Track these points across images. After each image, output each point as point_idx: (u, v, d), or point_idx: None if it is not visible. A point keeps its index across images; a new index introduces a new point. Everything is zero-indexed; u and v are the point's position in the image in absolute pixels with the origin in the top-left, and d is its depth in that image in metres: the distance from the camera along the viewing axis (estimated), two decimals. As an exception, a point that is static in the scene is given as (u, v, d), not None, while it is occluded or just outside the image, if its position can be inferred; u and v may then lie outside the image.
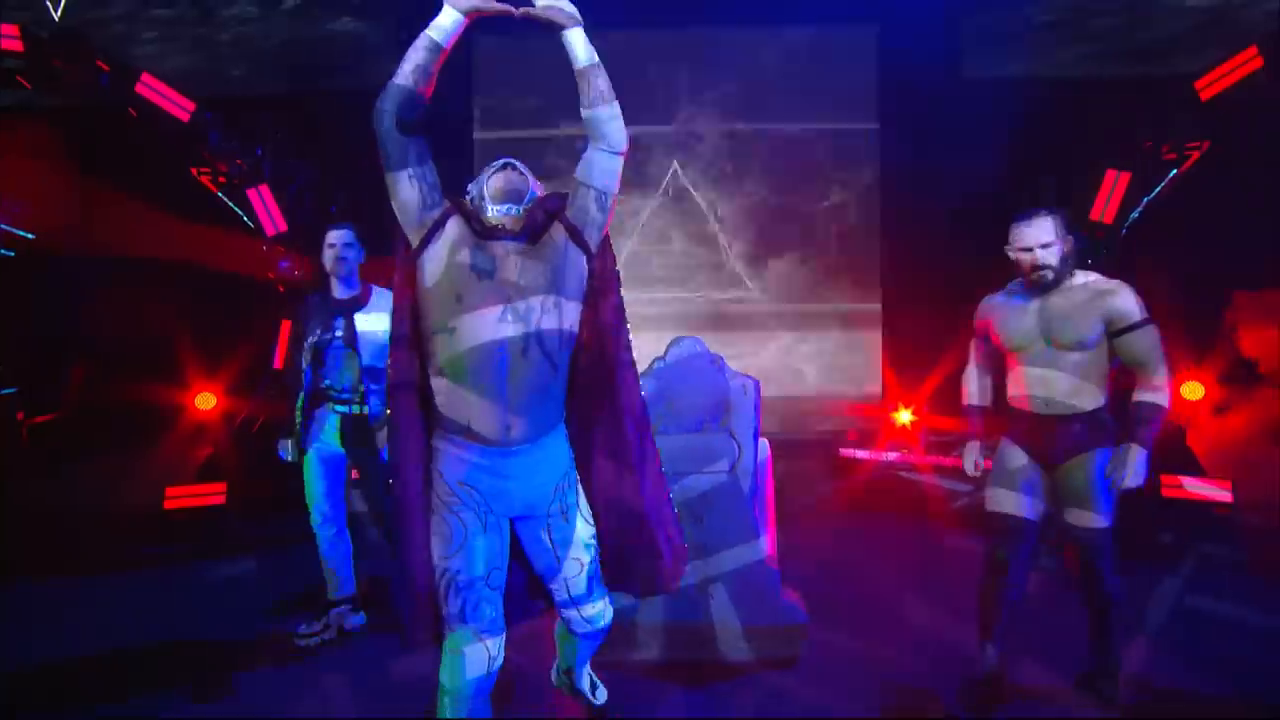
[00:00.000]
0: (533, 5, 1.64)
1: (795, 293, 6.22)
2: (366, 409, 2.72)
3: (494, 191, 1.63)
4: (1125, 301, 2.24)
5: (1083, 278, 2.31)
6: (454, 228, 1.64)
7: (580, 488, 1.80)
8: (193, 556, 3.89)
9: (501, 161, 1.68)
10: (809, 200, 6.25)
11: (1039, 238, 2.25)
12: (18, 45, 4.02)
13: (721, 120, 6.30)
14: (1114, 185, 4.27)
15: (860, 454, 5.32)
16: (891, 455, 5.27)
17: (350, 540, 2.90)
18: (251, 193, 4.48)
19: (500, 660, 1.68)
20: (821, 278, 6.18)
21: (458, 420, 1.64)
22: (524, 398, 1.63)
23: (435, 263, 1.62)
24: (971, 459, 2.51)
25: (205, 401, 7.28)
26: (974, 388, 2.56)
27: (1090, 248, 4.54)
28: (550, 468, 1.74)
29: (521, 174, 1.67)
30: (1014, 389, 2.41)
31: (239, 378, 6.66)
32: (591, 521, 1.79)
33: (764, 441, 2.73)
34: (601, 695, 2.15)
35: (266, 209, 4.49)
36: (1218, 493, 3.81)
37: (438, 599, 1.64)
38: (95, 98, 4.33)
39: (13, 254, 6.33)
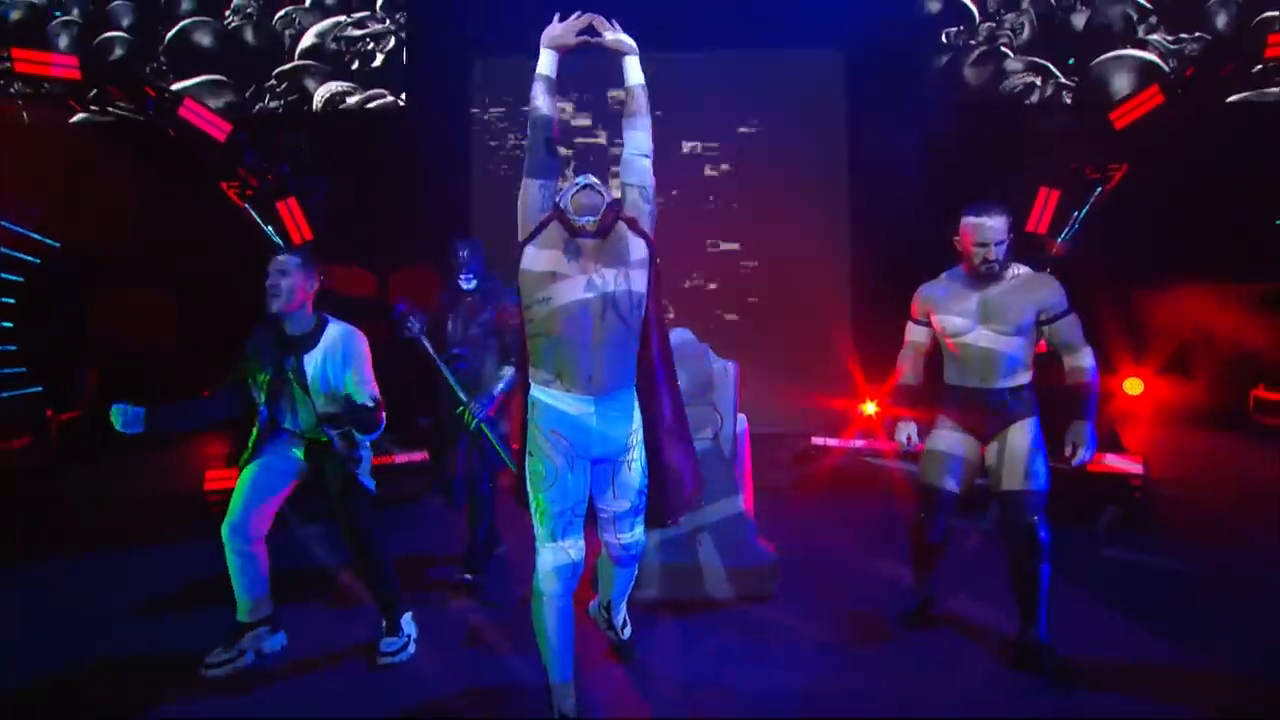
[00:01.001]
0: (603, 39, 2.22)
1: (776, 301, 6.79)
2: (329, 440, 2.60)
3: (577, 206, 2.12)
4: (1055, 292, 2.53)
5: (1015, 269, 2.58)
6: (554, 227, 2.15)
7: (642, 441, 2.23)
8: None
9: (584, 183, 2.15)
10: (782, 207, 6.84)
11: (998, 235, 2.47)
12: (76, 74, 4.46)
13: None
14: (1046, 201, 4.88)
15: (830, 442, 5.85)
16: (859, 442, 5.80)
17: (262, 558, 2.65)
18: (280, 205, 4.93)
19: (581, 562, 2.15)
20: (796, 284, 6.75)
21: (550, 371, 2.12)
22: (603, 353, 2.09)
23: (537, 250, 2.12)
24: (905, 433, 2.71)
25: (216, 402, 7.68)
26: (909, 368, 2.79)
27: (1039, 260, 5.15)
28: (624, 419, 2.17)
29: (599, 192, 2.14)
30: (953, 369, 2.64)
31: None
32: (646, 472, 2.24)
33: (742, 416, 3.27)
34: (628, 632, 2.64)
35: (294, 219, 4.94)
36: (1132, 466, 4.41)
37: (534, 525, 2.14)
38: (140, 119, 4.77)
39: (39, 261, 6.70)
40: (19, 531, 4.34)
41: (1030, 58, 6.27)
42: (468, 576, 3.26)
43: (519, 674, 2.55)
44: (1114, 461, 4.53)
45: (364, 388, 2.56)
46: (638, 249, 2.16)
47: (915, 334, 2.76)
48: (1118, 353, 7.31)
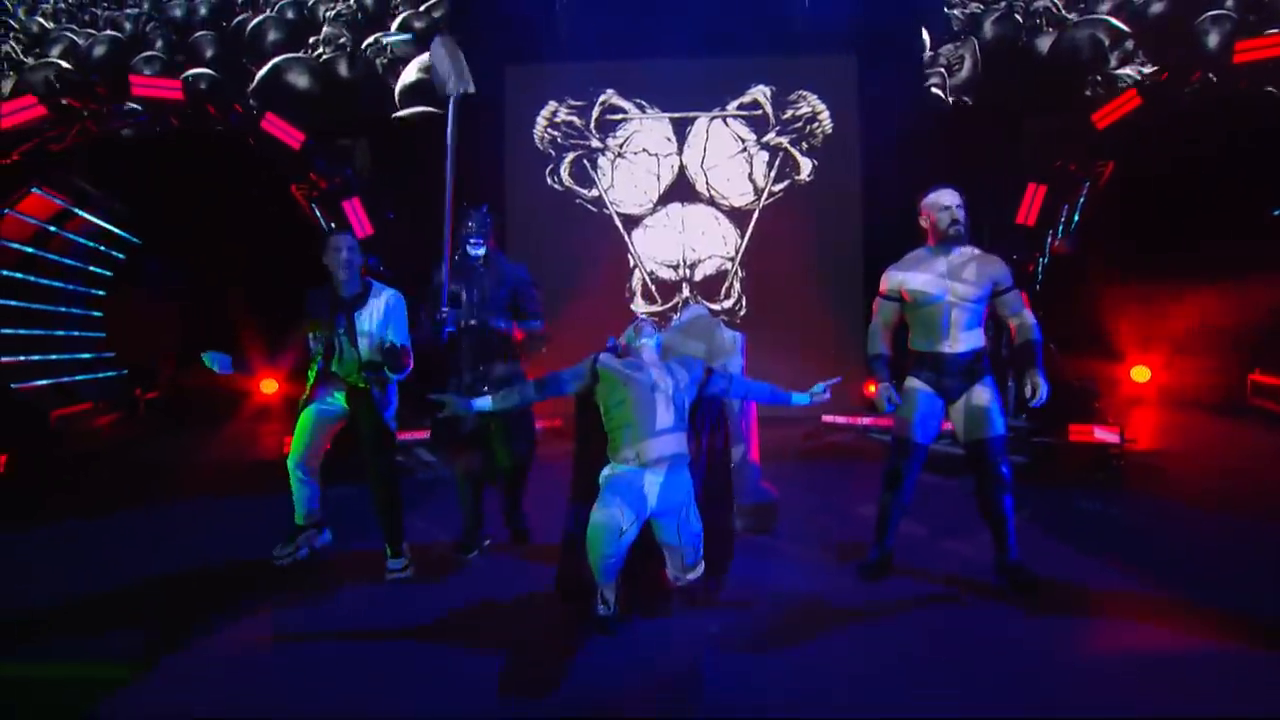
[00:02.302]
0: None
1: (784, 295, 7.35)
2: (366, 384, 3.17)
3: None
4: (1005, 269, 2.97)
5: (971, 249, 2.98)
6: (609, 361, 2.81)
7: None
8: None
9: (645, 336, 2.87)
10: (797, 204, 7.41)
11: (957, 200, 2.93)
12: (180, 95, 5.28)
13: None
14: (1033, 196, 5.40)
15: (840, 419, 6.42)
16: (866, 420, 6.35)
17: (317, 483, 3.35)
18: (346, 204, 5.68)
19: (631, 532, 2.64)
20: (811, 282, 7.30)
21: (627, 454, 2.68)
22: (665, 442, 2.68)
23: (605, 381, 2.77)
24: (885, 397, 3.03)
25: (269, 386, 8.59)
26: (880, 339, 3.12)
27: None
28: (682, 483, 2.72)
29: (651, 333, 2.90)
30: (920, 336, 3.00)
31: (300, 363, 7.88)
32: (700, 526, 2.78)
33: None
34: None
35: (357, 216, 5.68)
36: (1109, 436, 4.93)
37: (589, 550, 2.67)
38: (227, 131, 5.57)
39: (124, 256, 7.59)
40: (121, 488, 5.14)
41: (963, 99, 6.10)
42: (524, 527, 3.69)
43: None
44: (1098, 433, 5.06)
45: (399, 339, 3.18)
46: (696, 371, 2.86)
47: (885, 309, 3.12)
48: (1126, 342, 7.75)
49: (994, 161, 6.06)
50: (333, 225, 5.93)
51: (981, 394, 2.96)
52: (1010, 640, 2.65)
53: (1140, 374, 7.96)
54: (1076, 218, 6.15)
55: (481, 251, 3.40)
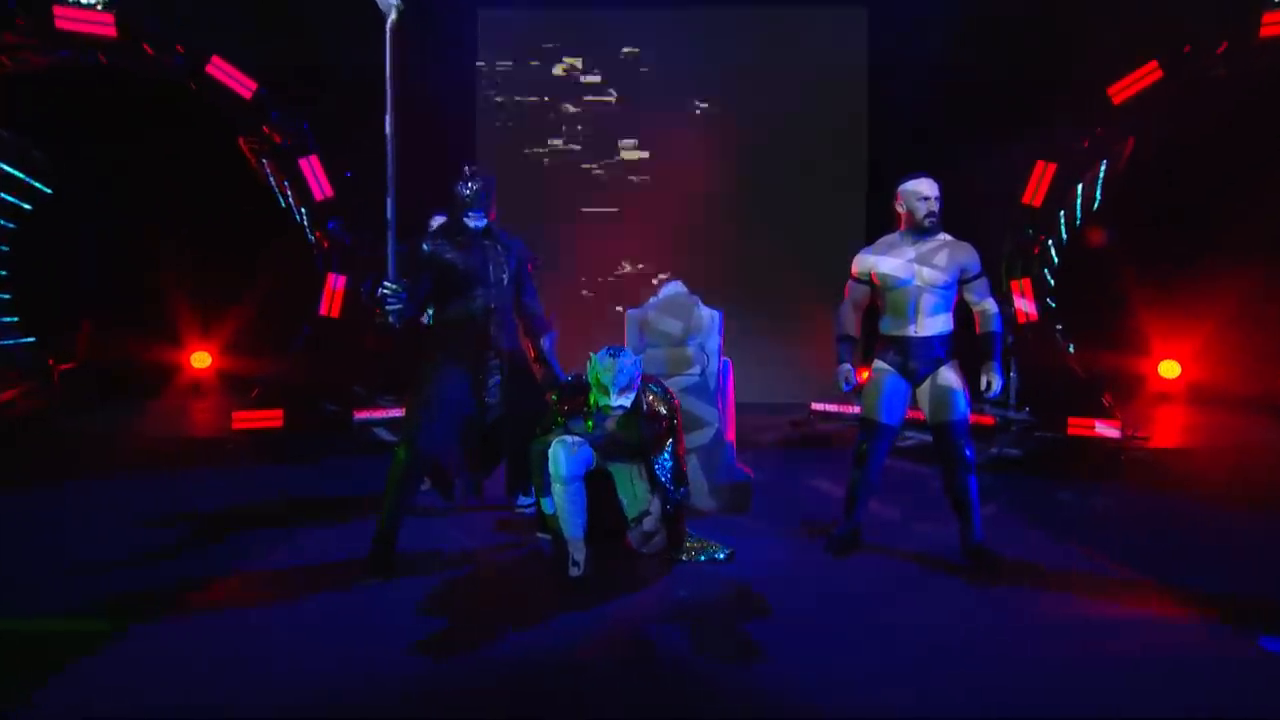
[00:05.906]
0: None
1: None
2: None
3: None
4: (973, 256, 3.30)
5: (944, 235, 3.35)
6: (576, 428, 3.31)
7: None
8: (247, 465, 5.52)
9: (616, 391, 3.24)
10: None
11: (935, 191, 3.29)
12: (111, 31, 5.61)
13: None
14: (1042, 174, 5.94)
15: (829, 407, 7.04)
16: (855, 409, 6.96)
17: None
18: (303, 161, 5.99)
19: (590, 458, 3.21)
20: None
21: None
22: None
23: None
24: (843, 375, 3.44)
25: (200, 360, 9.03)
26: (848, 320, 3.51)
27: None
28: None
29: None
30: (889, 319, 3.37)
31: (235, 337, 8.31)
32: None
33: (726, 359, 4.32)
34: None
35: (315, 176, 6.05)
36: (1110, 430, 5.56)
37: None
38: (165, 75, 5.94)
39: (31, 208, 7.87)
40: (42, 462, 5.45)
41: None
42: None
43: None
44: (1099, 428, 5.71)
45: None
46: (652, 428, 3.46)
47: (855, 291, 3.50)
48: (1154, 337, 8.37)
49: (1009, 131, 6.57)
50: (285, 184, 6.33)
51: (946, 377, 3.35)
52: (969, 614, 2.99)
53: (1169, 369, 8.60)
54: (1098, 198, 6.69)
55: (483, 224, 3.29)
